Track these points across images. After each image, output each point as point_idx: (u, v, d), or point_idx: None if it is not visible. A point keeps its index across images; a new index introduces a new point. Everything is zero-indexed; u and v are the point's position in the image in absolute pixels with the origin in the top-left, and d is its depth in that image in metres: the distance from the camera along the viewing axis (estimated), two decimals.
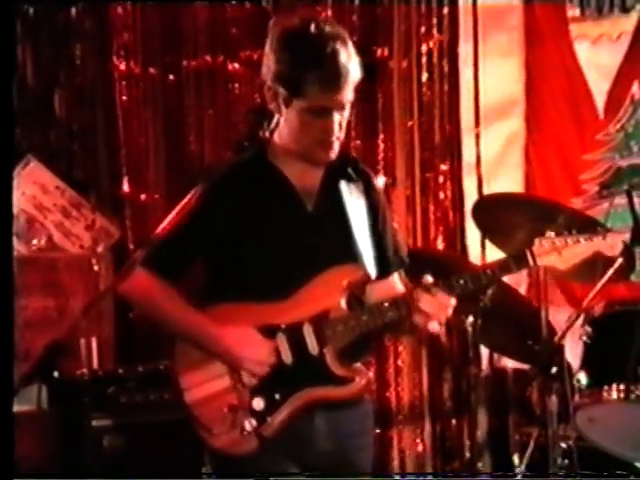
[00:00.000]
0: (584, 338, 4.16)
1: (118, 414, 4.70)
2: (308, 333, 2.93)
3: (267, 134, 2.89)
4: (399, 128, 5.66)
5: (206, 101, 5.84)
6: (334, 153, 2.99)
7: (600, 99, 5.33)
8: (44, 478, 4.41)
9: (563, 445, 4.15)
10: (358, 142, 5.63)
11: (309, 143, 2.95)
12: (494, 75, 5.51)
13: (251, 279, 2.97)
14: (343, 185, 3.05)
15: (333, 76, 2.87)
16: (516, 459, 4.67)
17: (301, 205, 3.02)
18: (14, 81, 5.57)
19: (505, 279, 4.30)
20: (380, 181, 5.37)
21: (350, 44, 2.93)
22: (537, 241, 2.91)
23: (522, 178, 5.51)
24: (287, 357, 2.93)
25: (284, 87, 2.90)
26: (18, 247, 5.47)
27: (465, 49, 5.55)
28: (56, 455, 4.76)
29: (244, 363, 2.93)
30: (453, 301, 2.90)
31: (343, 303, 2.95)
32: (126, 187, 5.84)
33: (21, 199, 5.53)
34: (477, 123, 5.54)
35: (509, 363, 5.26)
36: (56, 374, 2.52)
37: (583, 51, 5.38)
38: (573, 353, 4.22)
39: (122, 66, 5.83)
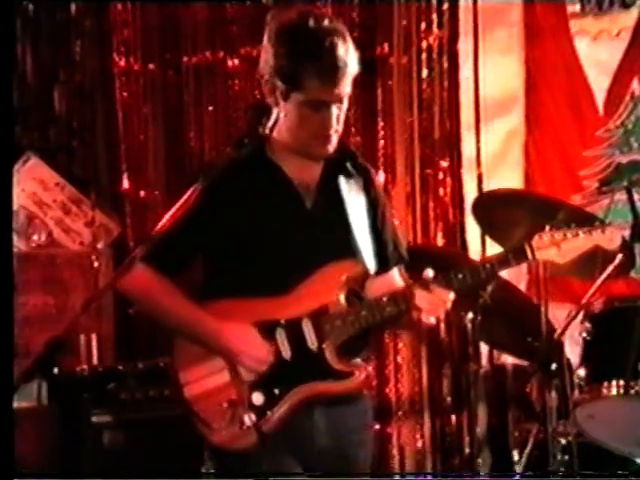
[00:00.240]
0: (584, 334, 4.15)
1: (118, 410, 4.71)
2: (307, 328, 2.93)
3: (266, 130, 2.88)
4: (399, 124, 5.66)
5: (206, 97, 5.84)
6: (332, 147, 2.99)
7: (600, 95, 5.32)
8: (44, 477, 4.41)
9: (562, 441, 4.14)
10: (358, 138, 5.63)
11: (307, 137, 2.96)
12: (494, 71, 5.50)
13: (250, 275, 2.97)
14: (342, 180, 3.06)
15: (331, 69, 2.87)
16: (515, 455, 4.66)
17: (300, 201, 3.02)
18: (14, 77, 5.57)
19: (505, 275, 4.32)
20: (380, 177, 5.37)
21: (348, 38, 2.94)
22: (536, 235, 2.91)
23: (522, 174, 5.50)
24: (286, 352, 2.93)
25: (282, 80, 2.90)
26: (18, 244, 5.48)
27: (465, 45, 5.54)
28: (56, 451, 4.77)
29: (243, 358, 2.93)
30: (452, 296, 2.90)
31: (342, 298, 2.95)
32: (126, 184, 5.85)
33: (21, 195, 5.53)
34: (477, 119, 5.53)
35: (509, 359, 5.25)
36: (56, 370, 2.53)
37: (583, 47, 5.36)
38: (573, 349, 4.22)
39: (122, 62, 5.84)
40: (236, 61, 5.79)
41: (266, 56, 2.94)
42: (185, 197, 2.70)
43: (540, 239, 2.91)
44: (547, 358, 3.88)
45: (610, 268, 3.76)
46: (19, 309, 4.94)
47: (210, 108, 5.82)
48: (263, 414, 2.91)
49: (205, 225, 2.98)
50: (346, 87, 2.92)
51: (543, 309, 4.18)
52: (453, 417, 5.57)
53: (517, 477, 4.46)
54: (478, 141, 5.53)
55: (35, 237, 5.58)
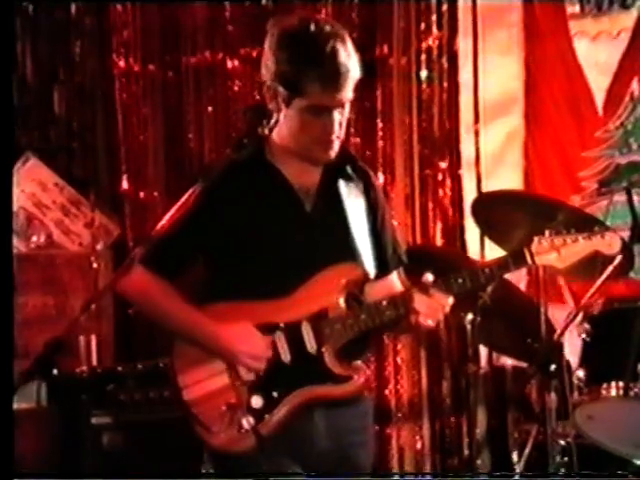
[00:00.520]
0: (583, 335, 4.16)
1: (117, 411, 4.71)
2: (306, 331, 2.93)
3: (266, 132, 2.88)
4: (398, 125, 5.65)
5: (205, 98, 5.84)
6: (334, 152, 2.99)
7: (599, 96, 5.32)
8: (44, 478, 4.41)
9: (562, 442, 4.15)
10: (357, 139, 5.63)
11: (309, 142, 2.96)
12: (493, 72, 5.50)
13: (250, 278, 2.97)
14: (342, 184, 3.06)
15: (333, 75, 2.87)
16: (515, 456, 4.67)
17: (300, 204, 3.02)
18: (14, 78, 5.57)
19: (505, 275, 4.31)
20: (379, 178, 5.38)
21: (350, 43, 2.93)
22: (536, 240, 2.91)
23: (521, 175, 5.50)
24: (285, 355, 2.94)
25: (284, 86, 2.90)
26: (17, 245, 5.48)
27: (464, 46, 5.54)
28: (55, 452, 4.77)
29: (241, 358, 2.93)
30: (450, 300, 2.90)
31: (342, 302, 2.95)
32: (125, 185, 5.85)
33: (20, 196, 5.53)
34: (476, 120, 5.53)
35: (508, 361, 5.25)
36: (55, 371, 2.52)
37: (582, 48, 5.36)
38: (572, 351, 4.22)
39: (121, 63, 5.84)
40: (236, 62, 5.79)
41: (268, 62, 2.94)
42: (184, 198, 2.70)
43: (540, 244, 2.91)
44: (546, 359, 3.88)
45: (609, 269, 3.76)
46: (19, 310, 4.94)
47: (210, 109, 5.83)
48: (262, 417, 2.91)
49: (204, 226, 2.98)
50: (348, 92, 2.92)
51: (542, 310, 4.18)
52: (452, 418, 5.57)
53: (516, 478, 4.46)
54: (477, 142, 5.54)
55: (34, 238, 5.58)
